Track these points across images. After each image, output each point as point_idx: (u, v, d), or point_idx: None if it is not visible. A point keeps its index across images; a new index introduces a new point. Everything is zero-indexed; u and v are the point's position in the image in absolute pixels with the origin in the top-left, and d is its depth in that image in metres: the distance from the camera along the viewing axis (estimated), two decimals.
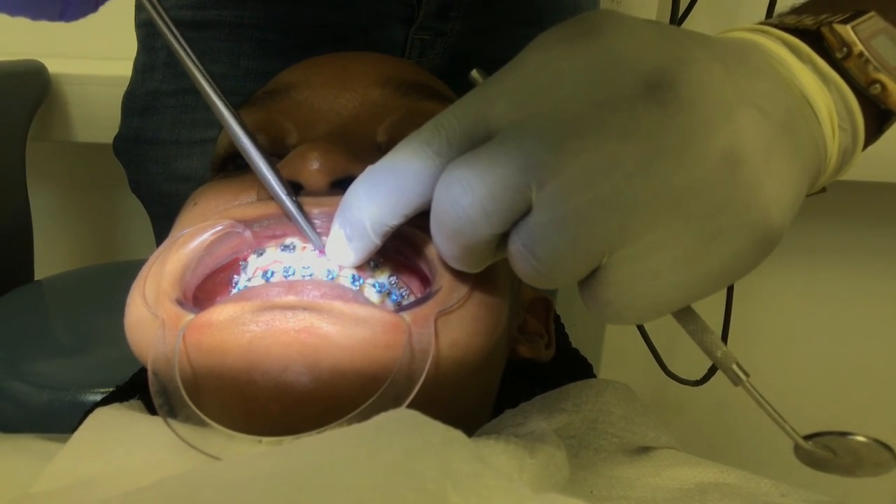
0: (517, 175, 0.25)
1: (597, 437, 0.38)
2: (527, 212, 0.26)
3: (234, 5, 0.63)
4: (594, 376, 0.49)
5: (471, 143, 0.27)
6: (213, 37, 0.63)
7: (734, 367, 0.30)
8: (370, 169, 0.29)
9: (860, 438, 0.28)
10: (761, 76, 0.28)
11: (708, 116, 0.25)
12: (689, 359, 0.64)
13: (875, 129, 0.32)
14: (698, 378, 0.66)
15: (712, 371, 0.65)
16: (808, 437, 0.29)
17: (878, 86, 0.30)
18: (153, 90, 0.66)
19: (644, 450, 0.38)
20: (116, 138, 0.70)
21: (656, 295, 0.26)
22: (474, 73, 0.31)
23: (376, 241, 0.30)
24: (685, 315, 0.30)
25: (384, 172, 0.29)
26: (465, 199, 0.26)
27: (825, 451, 0.29)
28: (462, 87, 0.32)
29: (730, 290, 0.67)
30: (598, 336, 1.18)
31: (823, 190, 0.34)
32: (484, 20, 0.66)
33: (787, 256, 1.19)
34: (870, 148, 0.33)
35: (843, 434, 0.28)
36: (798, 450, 0.30)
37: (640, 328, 0.69)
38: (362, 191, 0.29)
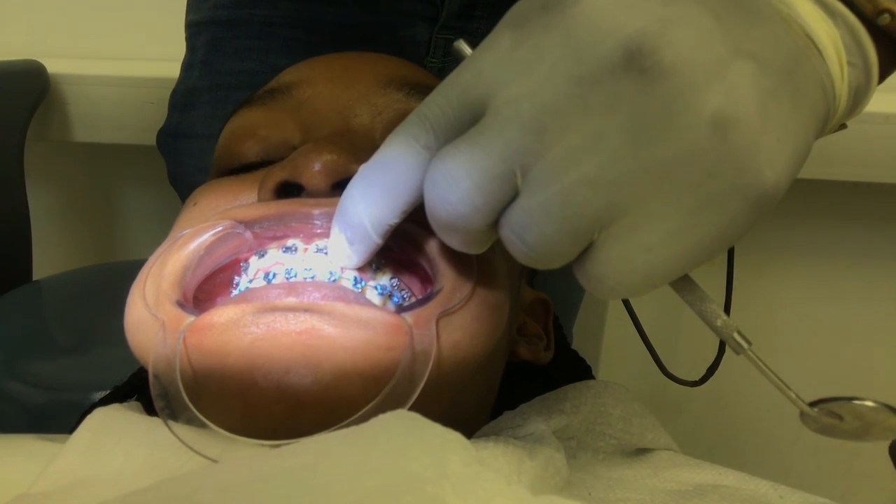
0: (501, 164, 0.25)
1: (595, 438, 0.38)
2: (515, 197, 0.26)
3: (267, 4, 0.65)
4: (593, 377, 0.49)
5: (458, 130, 0.27)
6: (245, 34, 0.65)
7: (735, 335, 0.29)
8: (363, 169, 0.29)
9: (868, 403, 0.27)
10: (759, 20, 0.26)
11: (693, 79, 0.24)
12: (688, 359, 0.64)
13: (890, 62, 0.30)
14: (697, 378, 0.66)
15: (711, 371, 0.64)
16: (813, 404, 0.29)
17: (887, 16, 0.28)
18: (191, 87, 0.69)
19: (642, 451, 0.38)
20: (159, 133, 0.72)
21: (649, 268, 0.26)
22: (458, 45, 0.30)
23: (378, 240, 0.30)
24: (683, 285, 0.29)
25: (377, 172, 0.28)
26: (452, 196, 0.26)
27: (831, 417, 0.29)
28: None
29: (728, 289, 0.66)
30: (597, 336, 1.18)
31: (844, 126, 0.32)
32: None
33: (787, 256, 1.19)
34: (871, 149, 0.32)
35: (849, 399, 0.28)
36: (804, 417, 0.29)
37: (639, 328, 0.69)
38: (357, 193, 0.29)
